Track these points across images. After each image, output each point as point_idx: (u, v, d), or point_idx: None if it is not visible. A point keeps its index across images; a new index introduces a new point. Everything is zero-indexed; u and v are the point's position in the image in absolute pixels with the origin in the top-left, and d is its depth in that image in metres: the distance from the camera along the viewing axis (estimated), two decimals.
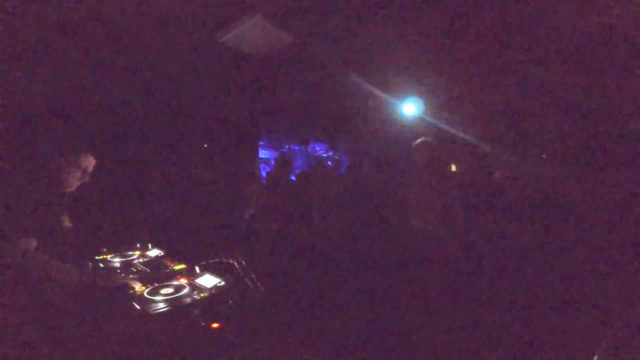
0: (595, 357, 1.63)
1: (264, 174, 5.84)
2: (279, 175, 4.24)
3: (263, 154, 7.95)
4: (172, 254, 2.27)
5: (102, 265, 2.07)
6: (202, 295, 1.63)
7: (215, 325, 1.48)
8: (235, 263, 1.96)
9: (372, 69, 3.39)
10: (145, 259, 2.21)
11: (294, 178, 5.57)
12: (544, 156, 4.13)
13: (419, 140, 3.19)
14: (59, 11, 2.23)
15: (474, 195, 3.42)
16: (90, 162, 1.91)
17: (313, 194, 3.87)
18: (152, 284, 1.72)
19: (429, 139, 3.21)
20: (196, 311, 1.52)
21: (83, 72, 3.31)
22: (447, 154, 3.52)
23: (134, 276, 1.85)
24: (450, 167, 4.18)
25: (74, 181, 1.85)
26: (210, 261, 2.04)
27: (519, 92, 3.82)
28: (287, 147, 8.13)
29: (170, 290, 1.66)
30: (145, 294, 1.61)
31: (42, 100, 3.50)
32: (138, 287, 1.67)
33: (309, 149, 8.13)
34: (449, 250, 2.79)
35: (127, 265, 2.07)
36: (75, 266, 1.69)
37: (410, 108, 4.09)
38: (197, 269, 1.93)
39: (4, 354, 1.22)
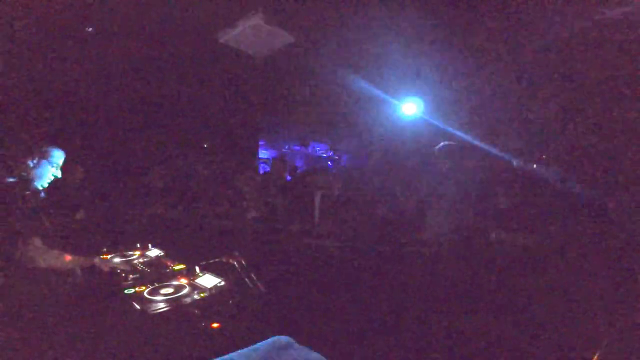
0: (596, 357, 1.63)
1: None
2: (276, 175, 4.24)
3: (263, 154, 7.96)
4: (172, 254, 2.27)
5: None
6: (202, 295, 1.63)
7: (215, 325, 1.48)
8: (235, 263, 1.96)
9: (372, 69, 3.39)
10: (145, 259, 2.21)
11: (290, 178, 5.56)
12: (544, 157, 4.13)
13: (441, 144, 3.18)
14: (62, 11, 2.23)
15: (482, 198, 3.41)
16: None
17: (313, 194, 3.86)
18: (152, 284, 1.72)
19: (452, 142, 3.21)
20: (196, 311, 1.52)
21: (83, 72, 3.32)
22: (470, 158, 3.48)
23: (134, 276, 1.86)
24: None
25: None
26: (210, 261, 2.04)
27: (520, 92, 3.82)
28: (287, 147, 8.13)
29: (170, 290, 1.66)
30: (145, 294, 1.61)
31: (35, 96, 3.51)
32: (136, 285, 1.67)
33: (309, 149, 8.13)
34: (459, 255, 2.79)
35: (127, 265, 2.07)
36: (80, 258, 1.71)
37: (410, 108, 4.09)
38: (197, 269, 1.93)
39: (4, 353, 1.22)
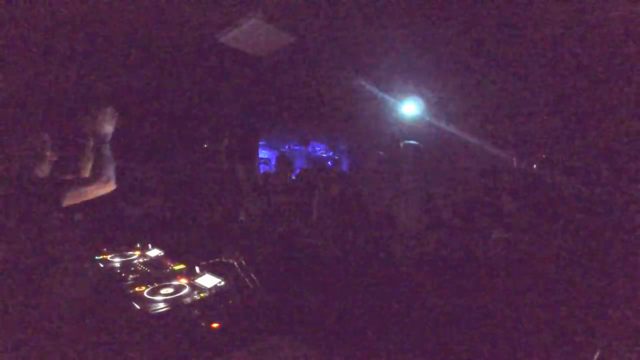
0: (595, 357, 1.63)
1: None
2: (280, 175, 4.24)
3: (263, 154, 7.95)
4: (172, 254, 2.28)
5: (102, 265, 2.07)
6: (202, 295, 1.63)
7: (215, 325, 1.48)
8: (235, 263, 1.96)
9: (372, 69, 3.39)
10: (145, 259, 2.21)
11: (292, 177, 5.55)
12: (544, 156, 4.13)
13: (403, 143, 3.27)
14: (60, 9, 2.23)
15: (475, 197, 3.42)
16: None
17: (313, 193, 3.87)
18: (152, 284, 1.72)
19: (412, 141, 3.29)
20: (196, 311, 1.52)
21: (83, 71, 3.32)
22: (429, 155, 3.57)
23: (134, 276, 1.86)
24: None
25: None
26: (210, 261, 2.04)
27: (519, 92, 3.82)
28: (287, 147, 8.13)
29: (170, 290, 1.67)
30: (145, 294, 1.61)
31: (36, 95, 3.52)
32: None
33: (309, 149, 8.13)
34: (434, 252, 2.83)
35: (127, 265, 2.07)
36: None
37: (410, 108, 4.10)
38: (197, 269, 1.93)
39: (4, 353, 1.22)
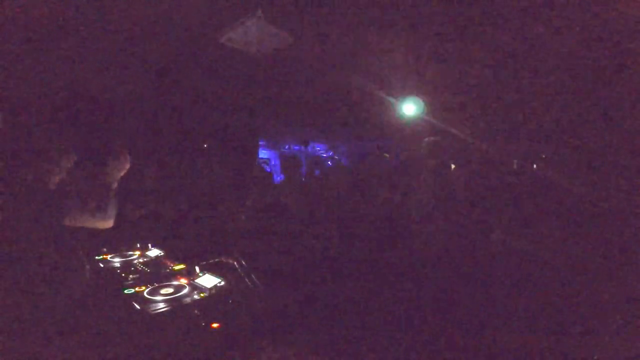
0: (595, 357, 1.63)
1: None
2: (289, 175, 4.25)
3: (263, 154, 7.96)
4: (172, 254, 2.27)
5: (102, 265, 2.07)
6: (202, 295, 1.63)
7: (215, 325, 1.48)
8: (235, 263, 1.96)
9: (372, 69, 3.39)
10: (145, 259, 2.21)
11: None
12: (543, 156, 4.13)
13: (428, 139, 3.22)
14: (60, 9, 2.23)
15: (475, 194, 3.42)
16: (71, 161, 1.78)
17: (316, 193, 3.87)
18: (152, 284, 1.72)
19: (438, 138, 3.25)
20: (196, 311, 1.52)
21: (82, 71, 3.31)
22: (451, 153, 3.57)
23: (134, 276, 1.86)
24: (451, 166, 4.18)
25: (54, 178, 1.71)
26: (210, 261, 2.04)
27: (519, 92, 3.82)
28: (287, 147, 8.14)
29: (170, 290, 1.67)
30: (145, 294, 1.61)
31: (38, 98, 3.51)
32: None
33: (309, 148, 8.13)
34: (449, 250, 2.82)
35: (127, 265, 2.07)
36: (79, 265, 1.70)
37: (410, 108, 4.09)
38: (197, 269, 1.93)
39: (5, 353, 1.22)
